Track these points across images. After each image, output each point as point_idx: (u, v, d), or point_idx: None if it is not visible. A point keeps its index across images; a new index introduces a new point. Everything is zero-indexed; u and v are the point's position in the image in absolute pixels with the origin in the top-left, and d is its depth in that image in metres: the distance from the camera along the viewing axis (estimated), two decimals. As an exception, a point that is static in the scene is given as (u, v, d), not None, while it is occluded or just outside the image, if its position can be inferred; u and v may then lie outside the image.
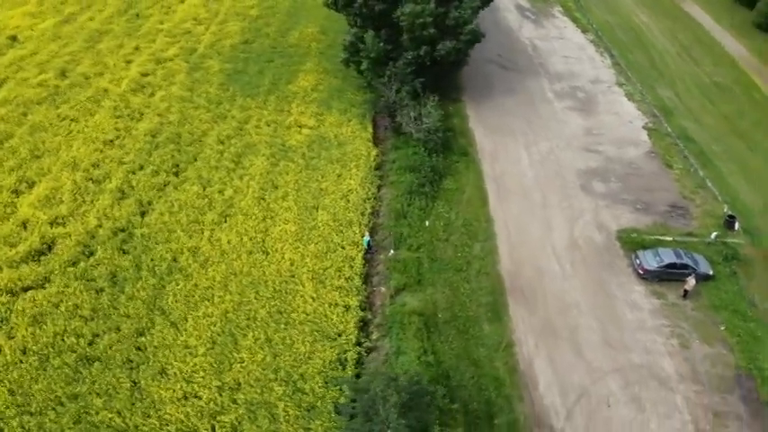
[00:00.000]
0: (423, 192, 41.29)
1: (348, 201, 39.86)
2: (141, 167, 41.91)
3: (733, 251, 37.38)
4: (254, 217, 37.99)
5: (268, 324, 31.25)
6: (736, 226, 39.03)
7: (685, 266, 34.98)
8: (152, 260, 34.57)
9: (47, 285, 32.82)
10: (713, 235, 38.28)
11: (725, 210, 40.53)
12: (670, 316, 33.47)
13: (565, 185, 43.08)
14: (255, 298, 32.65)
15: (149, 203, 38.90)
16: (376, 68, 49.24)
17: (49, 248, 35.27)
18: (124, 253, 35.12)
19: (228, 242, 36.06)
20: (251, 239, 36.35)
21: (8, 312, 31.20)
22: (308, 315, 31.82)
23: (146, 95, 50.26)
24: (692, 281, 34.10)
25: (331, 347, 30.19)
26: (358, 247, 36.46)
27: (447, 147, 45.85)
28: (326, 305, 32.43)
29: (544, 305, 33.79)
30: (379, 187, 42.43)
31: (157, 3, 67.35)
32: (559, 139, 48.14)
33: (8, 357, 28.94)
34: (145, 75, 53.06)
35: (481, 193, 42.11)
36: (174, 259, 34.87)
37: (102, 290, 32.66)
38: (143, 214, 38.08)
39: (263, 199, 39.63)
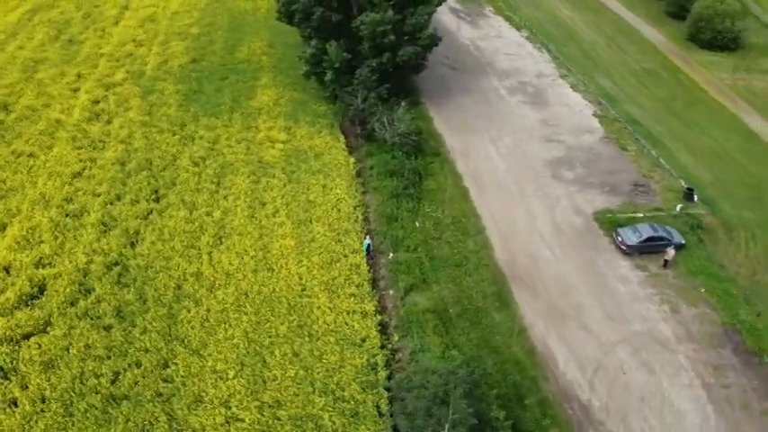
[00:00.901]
0: (408, 194, 42.49)
1: (339, 210, 40.44)
2: (118, 197, 40.63)
3: (697, 221, 41.08)
4: (249, 236, 37.81)
5: (292, 339, 31.40)
6: (695, 198, 42.82)
7: (662, 239, 38.15)
8: (156, 290, 33.77)
9: (49, 329, 31.40)
10: (678, 207, 41.88)
11: (682, 184, 44.37)
12: (656, 285, 36.45)
13: (536, 175, 45.60)
14: (273, 315, 32.67)
15: (137, 233, 37.83)
16: (340, 78, 49.93)
17: (41, 291, 33.66)
18: (124, 286, 34.06)
19: (230, 263, 35.77)
20: (252, 258, 36.22)
21: (14, 362, 29.66)
22: (328, 325, 32.22)
23: (102, 123, 48.59)
24: (671, 251, 37.27)
25: (359, 354, 30.78)
26: (360, 254, 37.13)
27: (419, 149, 47.29)
28: (344, 313, 32.95)
29: (545, 289, 35.86)
30: (362, 194, 43.18)
31: (90, 27, 64.89)
32: (521, 132, 50.77)
33: (27, 408, 27.56)
34: (96, 102, 51.27)
35: (462, 190, 43.82)
36: (179, 287, 34.22)
37: (110, 326, 31.62)
38: (133, 245, 37.02)
39: (254, 217, 39.49)
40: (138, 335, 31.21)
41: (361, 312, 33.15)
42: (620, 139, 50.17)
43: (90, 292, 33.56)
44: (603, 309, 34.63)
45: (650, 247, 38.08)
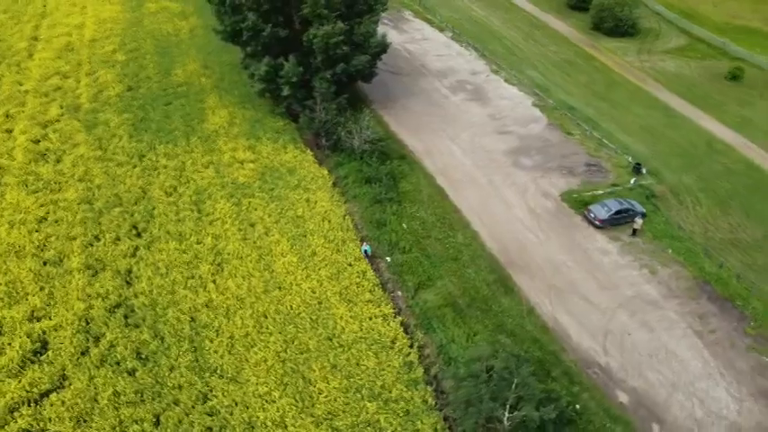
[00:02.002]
0: (389, 198, 43.77)
1: (329, 221, 41.06)
2: (97, 238, 38.95)
3: (650, 191, 45.65)
4: (248, 258, 37.63)
5: (325, 352, 31.88)
6: (643, 170, 47.45)
7: (628, 210, 42.16)
8: (170, 326, 32.99)
9: (67, 383, 29.90)
10: (632, 181, 46.30)
11: (629, 159, 48.96)
12: (631, 252, 40.28)
13: (500, 166, 48.49)
14: (298, 332, 32.93)
15: (129, 272, 36.54)
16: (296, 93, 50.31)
17: (44, 345, 31.88)
18: (135, 327, 32.96)
19: (238, 288, 35.52)
20: (259, 279, 36.15)
21: (40, 423, 28.07)
22: (356, 333, 32.97)
23: (52, 163, 46.11)
24: (639, 220, 41.33)
25: (393, 355, 31.84)
26: (362, 260, 38.05)
27: (384, 153, 48.68)
28: (366, 319, 33.84)
29: (539, 270, 38.58)
30: (344, 203, 43.95)
31: (1, 63, 60.56)
32: (473, 128, 53.57)
33: (73, 467, 26.31)
34: (36, 141, 48.50)
35: (437, 188, 45.77)
36: (193, 319, 33.60)
37: (134, 370, 30.62)
38: (129, 284, 35.73)
39: (247, 239, 39.27)
40: (166, 373, 30.47)
41: (382, 316, 34.18)
42: (563, 125, 54.29)
43: (100, 339, 32.24)
44: (595, 280, 37.86)
45: (619, 220, 41.92)
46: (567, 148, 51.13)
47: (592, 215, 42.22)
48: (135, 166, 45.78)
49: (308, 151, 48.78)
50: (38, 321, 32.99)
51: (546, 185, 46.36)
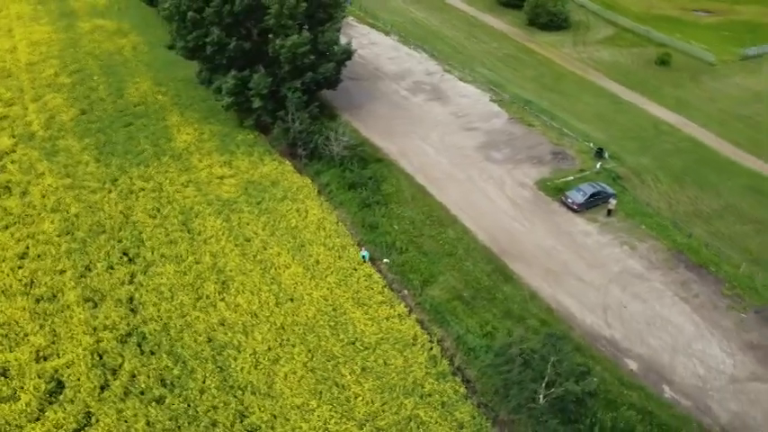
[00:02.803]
0: (375, 201, 44.63)
1: (324, 229, 41.48)
2: (88, 269, 37.65)
3: (615, 173, 48.88)
4: (252, 273, 37.52)
5: (351, 356, 32.40)
6: (605, 155, 50.71)
7: (601, 193, 45.03)
8: (189, 349, 32.51)
9: (94, 420, 28.99)
10: (598, 165, 49.41)
11: (591, 145, 52.13)
12: (610, 232, 43.12)
13: (473, 162, 50.39)
14: (320, 340, 33.27)
15: (131, 300, 35.59)
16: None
17: (59, 384, 30.69)
18: (152, 354, 32.24)
19: (249, 303, 35.41)
20: (268, 293, 36.16)
21: (76, 463, 27.12)
22: (377, 334, 33.68)
23: (17, 196, 44.12)
24: (613, 201, 44.29)
25: (418, 351, 32.82)
26: (364, 264, 38.75)
27: (361, 158, 49.46)
28: (384, 320, 34.63)
29: (532, 256, 40.63)
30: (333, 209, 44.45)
31: (-67, 93, 56.78)
32: (440, 127, 55.27)
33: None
34: (-6, 174, 45.91)
35: (418, 187, 47.04)
36: (210, 339, 33.22)
37: (163, 398, 30.04)
38: (134, 312, 34.83)
39: (246, 254, 39.09)
40: (197, 396, 30.08)
41: (397, 315, 35.08)
42: (523, 117, 56.95)
43: (117, 371, 31.34)
44: (584, 260, 40.32)
45: (593, 202, 44.71)
46: (531, 139, 53.74)
47: (569, 200, 44.78)
48: (110, 191, 44.39)
49: (286, 162, 48.85)
50: (46, 361, 31.67)
51: (520, 176, 48.65)
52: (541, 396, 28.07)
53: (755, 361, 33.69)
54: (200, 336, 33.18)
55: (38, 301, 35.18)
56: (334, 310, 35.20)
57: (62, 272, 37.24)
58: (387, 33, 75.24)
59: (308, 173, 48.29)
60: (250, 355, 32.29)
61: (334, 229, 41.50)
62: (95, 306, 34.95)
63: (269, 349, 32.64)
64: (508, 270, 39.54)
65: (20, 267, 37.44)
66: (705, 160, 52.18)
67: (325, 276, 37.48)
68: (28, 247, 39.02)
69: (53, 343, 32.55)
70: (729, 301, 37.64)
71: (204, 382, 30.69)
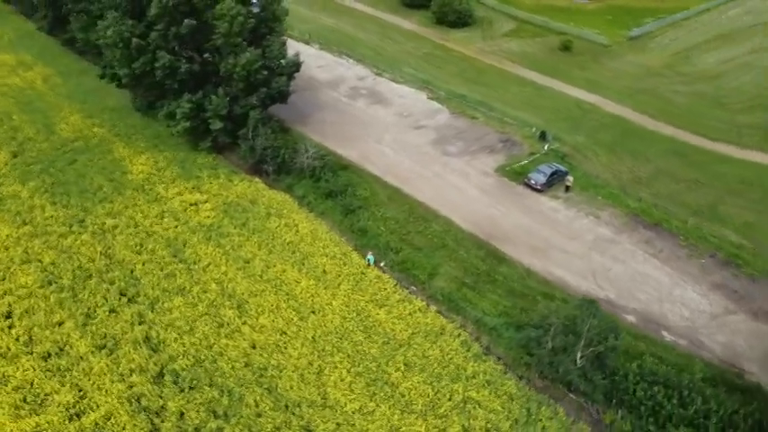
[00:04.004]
0: (357, 206, 45.88)
1: (320, 239, 42.20)
2: (88, 315, 35.77)
3: (560, 153, 53.55)
4: (265, 293, 37.55)
5: (390, 354, 33.69)
6: (549, 137, 55.34)
7: (557, 172, 49.35)
8: (230, 377, 32.20)
9: (156, 464, 28.16)
10: (546, 147, 53.85)
11: (533, 130, 56.57)
12: (573, 205, 47.47)
13: (433, 158, 52.97)
14: (355, 345, 34.20)
15: (148, 339, 34.44)
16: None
17: (104, 436, 29.35)
18: (192, 389, 31.58)
19: (273, 322, 35.54)
20: (288, 309, 36.47)
21: None
22: (406, 330, 35.22)
23: (-25, 252, 40.37)
24: (570, 178, 48.73)
25: (449, 338, 34.80)
26: (369, 267, 40.01)
27: (329, 166, 50.30)
28: (408, 316, 36.25)
29: (516, 236, 43.89)
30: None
31: None
32: (390, 128, 57.32)
33: None
34: (-63, 233, 41.82)
35: (392, 188, 48.79)
36: (247, 363, 33.09)
37: (221, 429, 29.67)
38: (156, 351, 33.76)
39: (252, 275, 38.95)
40: (256, 420, 30.03)
41: (419, 310, 36.82)
42: (464, 111, 60.42)
43: (160, 413, 30.44)
44: (561, 234, 44.24)
45: (552, 181, 48.92)
46: (477, 131, 57.29)
47: (532, 181, 48.64)
48: (80, 233, 42.03)
49: (256, 179, 48.64)
50: (80, 418, 29.97)
51: (480, 166, 51.94)
52: (578, 357, 31.14)
53: (724, 298, 39.10)
54: (236, 362, 32.89)
55: (45, 358, 32.99)
56: (357, 314, 36.20)
57: (60, 324, 35.08)
58: (307, 42, 75.89)
59: (280, 188, 48.38)
60: (293, 371, 32.58)
61: (328, 239, 42.28)
62: (112, 352, 33.40)
63: (309, 363, 33.08)
64: (499, 253, 42.49)
65: (10, 327, 34.74)
66: (629, 132, 58.48)
67: (338, 284, 38.29)
68: (11, 305, 36.18)
69: (82, 398, 30.84)
70: (687, 251, 43.08)
71: (258, 406, 30.64)
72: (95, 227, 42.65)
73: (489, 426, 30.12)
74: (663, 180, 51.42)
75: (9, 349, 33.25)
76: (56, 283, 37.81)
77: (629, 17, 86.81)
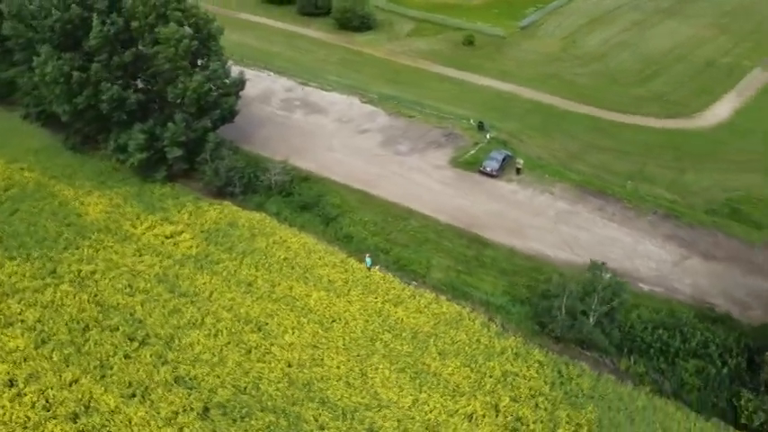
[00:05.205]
0: (335, 215, 46.89)
1: (314, 252, 42.78)
2: (102, 367, 34.00)
3: (501, 140, 57.80)
4: (280, 312, 37.74)
5: (423, 347, 35.46)
6: (487, 127, 59.40)
7: (507, 157, 53.44)
8: (279, 398, 32.32)
9: (238, 497, 27.97)
10: (488, 136, 57.80)
11: (471, 122, 60.37)
12: (528, 186, 51.70)
13: (387, 159, 54.96)
14: (386, 344, 35.57)
15: (178, 378, 33.47)
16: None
17: (172, 483, 28.52)
18: (245, 418, 31.35)
19: (300, 339, 35.91)
20: (309, 323, 36.96)
21: None
22: (428, 323, 37.16)
23: (-61, 324, 36.59)
24: (520, 161, 52.98)
25: (469, 325, 37.22)
26: (370, 271, 41.37)
27: (297, 180, 50.55)
28: (424, 309, 38.21)
29: (491, 221, 47.14)
30: (297, 233, 45.51)
31: None
32: (336, 136, 58.42)
33: None
34: None
35: (360, 193, 50.11)
36: (290, 382, 33.33)
37: (289, 449, 29.94)
38: (192, 387, 32.95)
39: (260, 298, 38.85)
40: (321, 433, 30.56)
41: (432, 301, 38.89)
42: (399, 111, 62.89)
43: (223, 445, 30.04)
44: (527, 213, 48.25)
45: (504, 166, 52.94)
46: (419, 128, 60.07)
47: (488, 169, 52.29)
48: (58, 285, 39.31)
49: (225, 202, 47.87)
50: (138, 469, 28.79)
51: (434, 161, 54.77)
52: (591, 316, 34.93)
53: (677, 246, 45.07)
54: (278, 383, 32.99)
55: (74, 419, 30.99)
56: (378, 316, 37.51)
57: (75, 381, 32.95)
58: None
59: (250, 207, 47.93)
60: (337, 380, 33.32)
61: (321, 249, 42.98)
62: (145, 398, 32.09)
63: (350, 369, 33.97)
64: (480, 238, 45.56)
65: (19, 395, 32.10)
66: (551, 114, 64.22)
67: (348, 291, 39.28)
68: (10, 373, 33.33)
69: (134, 451, 29.53)
70: (634, 212, 48.82)
71: (317, 420, 31.13)
72: (71, 275, 40.01)
73: (533, 392, 32.95)
74: (592, 153, 57.40)
75: (29, 418, 30.82)
76: (51, 340, 35.26)
77: (513, 9, 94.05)
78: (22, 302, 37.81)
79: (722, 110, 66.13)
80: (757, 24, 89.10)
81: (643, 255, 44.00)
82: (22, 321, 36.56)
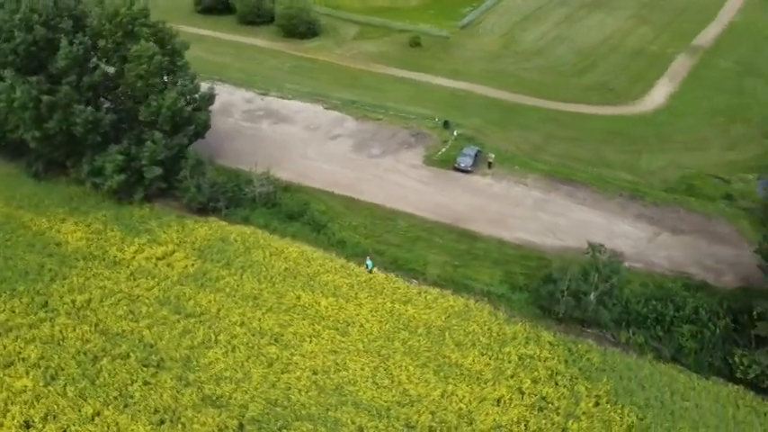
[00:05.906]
0: (324, 221, 47.32)
1: (313, 259, 43.28)
2: (122, 396, 33.19)
3: (467, 136, 59.89)
4: (294, 322, 38.08)
5: (438, 341, 36.75)
6: (451, 124, 61.35)
7: (478, 153, 55.56)
8: (312, 406, 32.73)
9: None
10: (455, 133, 59.73)
11: (436, 120, 62.14)
12: (502, 178, 53.99)
13: (362, 162, 55.83)
14: (405, 342, 36.61)
15: (206, 397, 33.18)
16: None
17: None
18: (281, 430, 31.51)
19: (319, 346, 36.34)
20: (324, 329, 37.43)
21: None
22: (439, 317, 38.51)
23: (-69, 372, 34.48)
24: (492, 155, 55.23)
25: (478, 312, 38.87)
26: (374, 270, 42.24)
27: (280, 190, 50.54)
28: (433, 304, 39.61)
29: (475, 214, 48.97)
30: (291, 242, 45.70)
31: None
32: (308, 144, 58.65)
33: None
34: None
35: (344, 199, 50.68)
36: (320, 390, 33.72)
37: (334, 453, 30.44)
38: (221, 405, 32.75)
39: (271, 310, 38.95)
40: (362, 435, 31.23)
41: (438, 297, 40.32)
42: (365, 115, 63.82)
43: (266, 459, 30.16)
44: (506, 204, 50.49)
45: (476, 162, 55.04)
46: (387, 130, 61.23)
47: (462, 165, 54.20)
48: (54, 318, 37.86)
49: (211, 218, 47.35)
50: (186, 493, 28.47)
51: (408, 161, 56.12)
52: (592, 295, 37.37)
53: (648, 224, 48.58)
54: (308, 391, 33.34)
55: (105, 450, 30.16)
56: (391, 315, 38.44)
57: (97, 414, 31.98)
58: (169, 74, 72.55)
59: (236, 221, 47.58)
60: (364, 382, 34.04)
61: (319, 256, 43.42)
62: (173, 422, 31.62)
63: (374, 369, 34.76)
64: (468, 232, 47.32)
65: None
66: (507, 109, 67.03)
67: (356, 295, 39.97)
68: (24, 414, 31.89)
69: (174, 475, 29.11)
70: (602, 195, 52.08)
71: (354, 422, 31.73)
72: (67, 307, 38.57)
73: (551, 371, 34.94)
74: (552, 143, 60.53)
75: (54, 456, 29.71)
76: (61, 375, 33.97)
77: (450, 9, 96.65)
78: (19, 340, 36.14)
79: (658, 95, 71.04)
80: (674, 15, 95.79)
81: (620, 234, 47.11)
82: (24, 359, 34.97)
